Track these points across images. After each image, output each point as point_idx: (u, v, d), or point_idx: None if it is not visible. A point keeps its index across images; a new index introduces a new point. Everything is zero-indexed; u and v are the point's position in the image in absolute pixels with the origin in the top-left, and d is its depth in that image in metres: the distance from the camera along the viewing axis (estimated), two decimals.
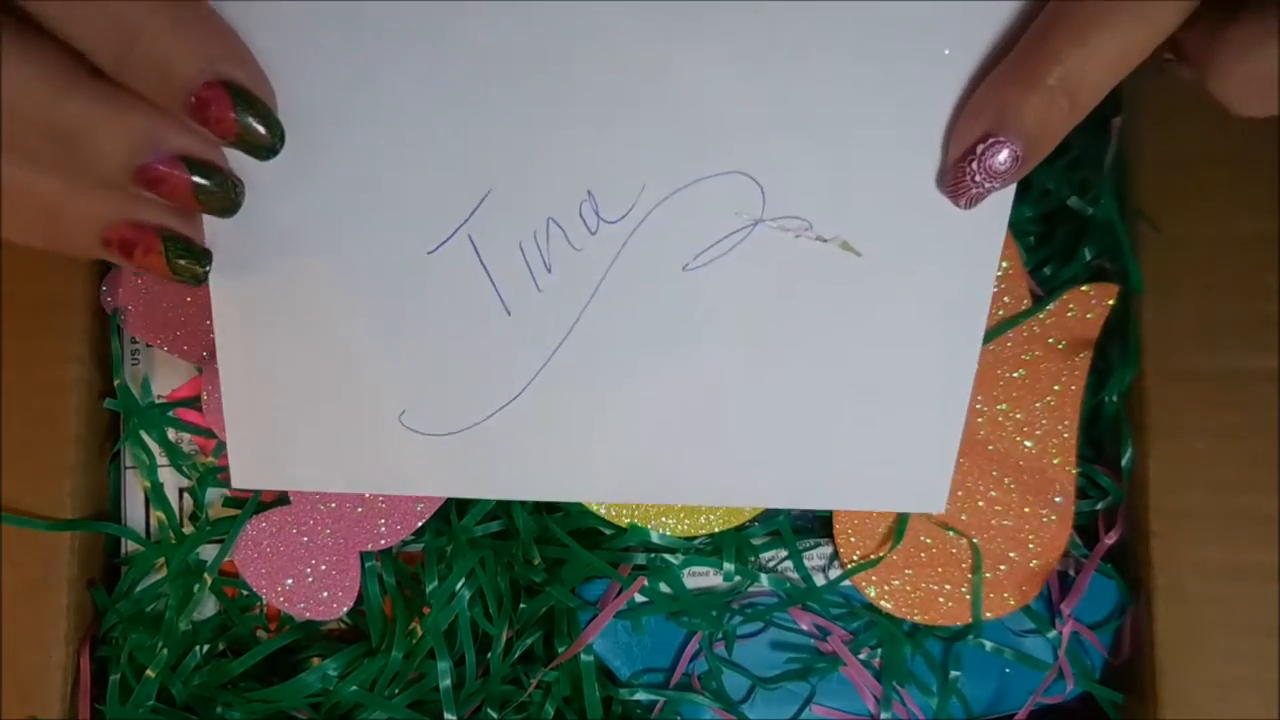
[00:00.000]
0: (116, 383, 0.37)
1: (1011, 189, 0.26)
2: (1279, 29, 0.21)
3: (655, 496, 0.33)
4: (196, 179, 0.24)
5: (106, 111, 0.23)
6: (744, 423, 0.30)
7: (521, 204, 0.28)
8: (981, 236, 0.28)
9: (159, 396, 0.37)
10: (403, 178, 0.27)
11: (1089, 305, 0.36)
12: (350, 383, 0.30)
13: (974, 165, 0.25)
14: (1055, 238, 0.37)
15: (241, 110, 0.23)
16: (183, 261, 0.26)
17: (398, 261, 0.28)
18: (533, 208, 0.28)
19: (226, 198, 0.25)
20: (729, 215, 0.28)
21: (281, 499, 0.36)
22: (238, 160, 0.26)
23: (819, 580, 0.37)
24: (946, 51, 0.25)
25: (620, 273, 0.28)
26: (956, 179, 0.25)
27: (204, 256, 0.26)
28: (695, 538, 0.37)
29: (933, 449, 0.31)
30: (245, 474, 0.31)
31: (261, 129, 0.24)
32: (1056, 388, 0.36)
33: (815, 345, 0.29)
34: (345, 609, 0.36)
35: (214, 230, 0.27)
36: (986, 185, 0.25)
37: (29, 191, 0.24)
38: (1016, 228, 0.37)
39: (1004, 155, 0.24)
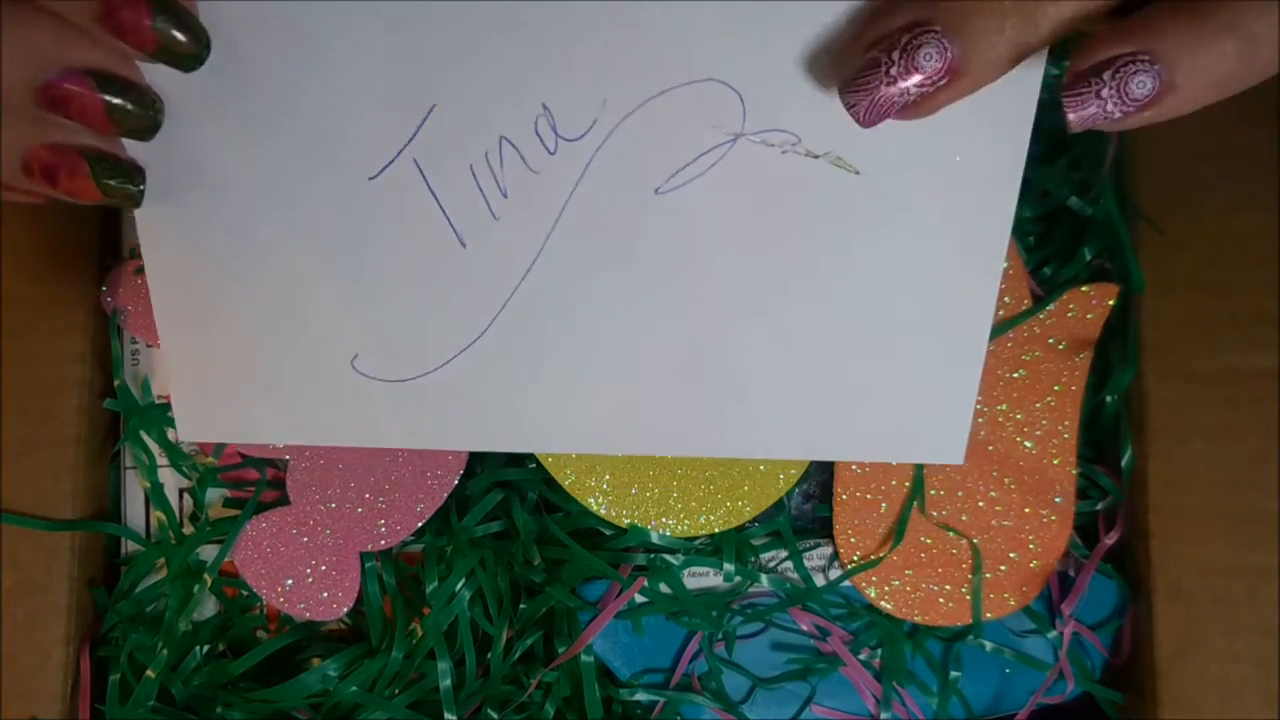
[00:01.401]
0: (116, 383, 0.37)
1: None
2: None
3: (635, 447, 0.30)
4: (108, 97, 0.22)
5: None
6: (732, 364, 0.28)
7: (470, 121, 0.25)
8: (1000, 154, 0.25)
9: (159, 396, 0.37)
10: (336, 93, 0.25)
11: (1089, 305, 0.36)
12: (296, 325, 0.28)
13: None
14: (1055, 238, 0.37)
15: (160, 17, 0.21)
16: (113, 182, 0.24)
17: (337, 189, 0.26)
18: (483, 125, 0.25)
19: (144, 116, 0.23)
20: (705, 130, 0.25)
21: (281, 499, 0.36)
22: (154, 77, 0.24)
23: (819, 580, 0.37)
24: None
25: (585, 197, 0.26)
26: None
27: (135, 174, 0.24)
28: (695, 538, 0.37)
29: (950, 394, 0.28)
30: (192, 426, 0.29)
31: (183, 36, 0.22)
32: (1056, 388, 0.36)
33: (810, 277, 0.26)
34: (345, 609, 0.36)
35: (134, 156, 0.25)
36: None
37: None
38: (1016, 228, 0.37)
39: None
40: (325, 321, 0.27)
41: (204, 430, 0.29)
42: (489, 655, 0.36)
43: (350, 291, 0.27)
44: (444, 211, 0.26)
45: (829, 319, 0.27)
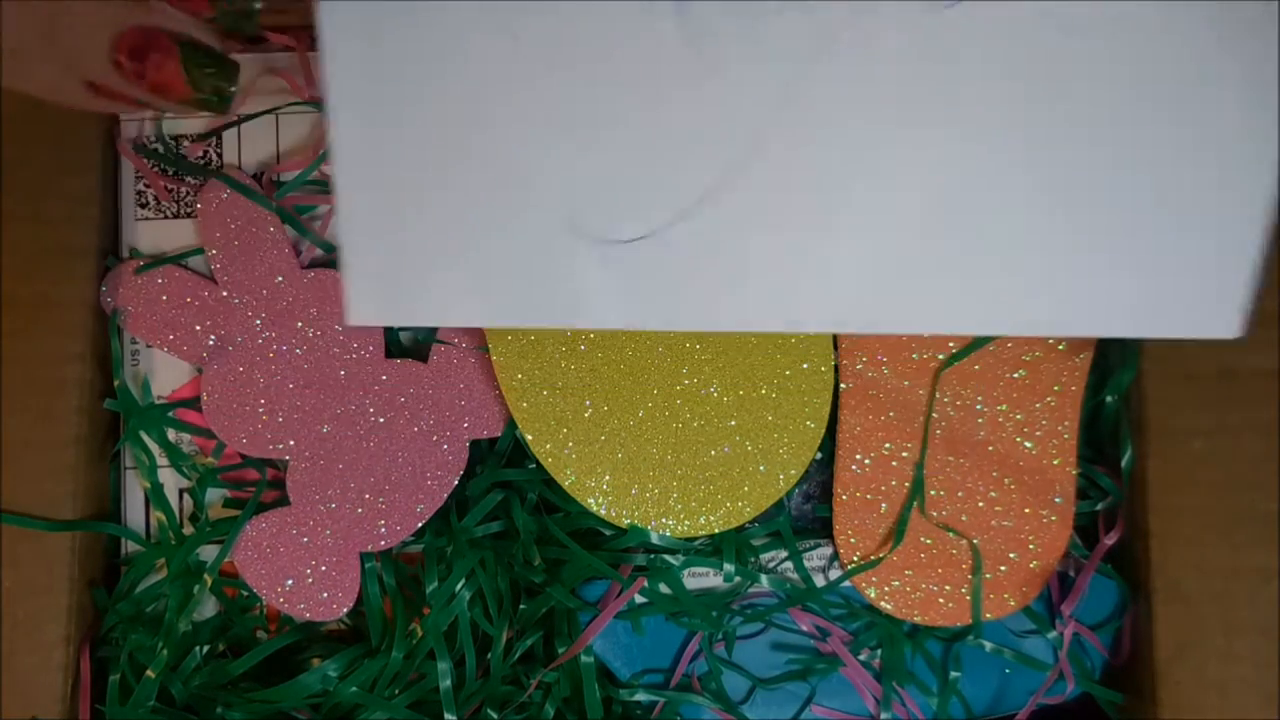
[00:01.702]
0: (116, 383, 0.37)
1: None
2: None
3: (887, 325, 0.25)
4: None
5: None
6: (992, 224, 0.24)
7: None
8: None
9: (159, 396, 0.37)
10: None
11: None
12: (498, 171, 0.23)
13: None
14: None
15: None
16: (206, 71, 0.22)
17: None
18: None
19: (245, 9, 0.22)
20: None
21: (281, 500, 0.36)
22: None
23: (819, 581, 0.37)
24: None
25: (859, 10, 0.22)
26: None
27: (229, 69, 0.23)
28: (695, 538, 0.37)
29: (1225, 261, 0.25)
30: (366, 307, 0.25)
31: None
32: (1056, 388, 0.36)
33: (1089, 130, 0.23)
34: (345, 610, 0.36)
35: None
36: None
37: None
38: None
39: None
40: (532, 164, 0.23)
41: (380, 312, 0.25)
42: (489, 655, 0.36)
43: (565, 133, 0.23)
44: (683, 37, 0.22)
45: (1100, 177, 0.24)
